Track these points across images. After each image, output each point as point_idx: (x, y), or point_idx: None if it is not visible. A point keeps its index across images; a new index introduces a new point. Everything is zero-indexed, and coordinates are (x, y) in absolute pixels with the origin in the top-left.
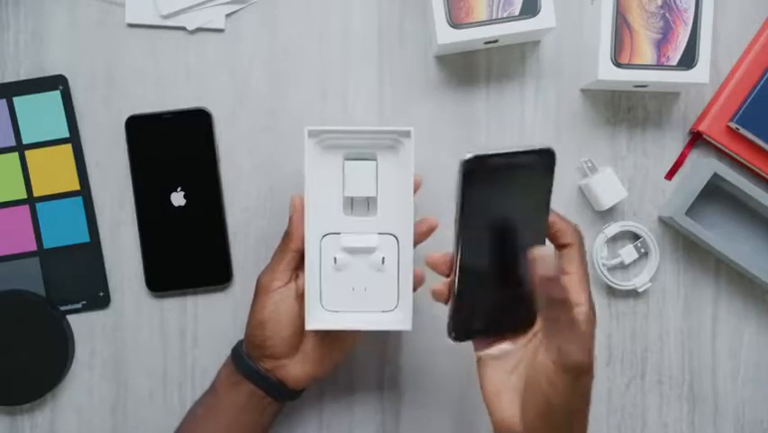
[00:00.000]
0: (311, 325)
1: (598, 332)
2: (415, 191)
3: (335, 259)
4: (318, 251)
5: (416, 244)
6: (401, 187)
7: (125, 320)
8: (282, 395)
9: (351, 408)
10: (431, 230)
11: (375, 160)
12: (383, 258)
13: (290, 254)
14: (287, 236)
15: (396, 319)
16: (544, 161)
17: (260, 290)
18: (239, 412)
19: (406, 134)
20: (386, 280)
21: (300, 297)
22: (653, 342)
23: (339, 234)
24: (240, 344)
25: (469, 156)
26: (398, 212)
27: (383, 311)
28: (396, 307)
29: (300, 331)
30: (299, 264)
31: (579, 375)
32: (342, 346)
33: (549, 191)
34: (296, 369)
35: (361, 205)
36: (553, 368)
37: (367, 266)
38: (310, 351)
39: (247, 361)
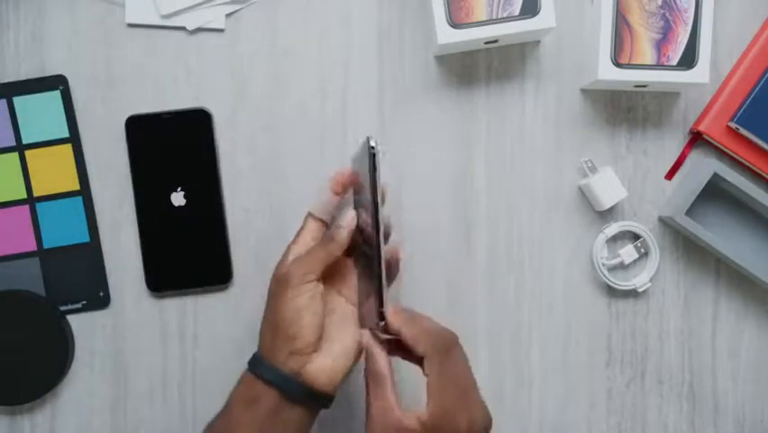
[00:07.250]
0: None
1: (600, 332)
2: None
3: None
4: None
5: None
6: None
7: (125, 320)
8: (310, 398)
9: (351, 408)
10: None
11: None
12: None
13: (330, 257)
14: (331, 241)
15: None
16: None
17: (291, 281)
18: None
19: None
20: None
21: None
22: (653, 342)
23: None
24: (255, 355)
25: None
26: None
27: None
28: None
29: (321, 328)
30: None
31: None
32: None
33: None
34: (323, 362)
35: None
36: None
37: None
38: (331, 344)
39: (270, 365)
